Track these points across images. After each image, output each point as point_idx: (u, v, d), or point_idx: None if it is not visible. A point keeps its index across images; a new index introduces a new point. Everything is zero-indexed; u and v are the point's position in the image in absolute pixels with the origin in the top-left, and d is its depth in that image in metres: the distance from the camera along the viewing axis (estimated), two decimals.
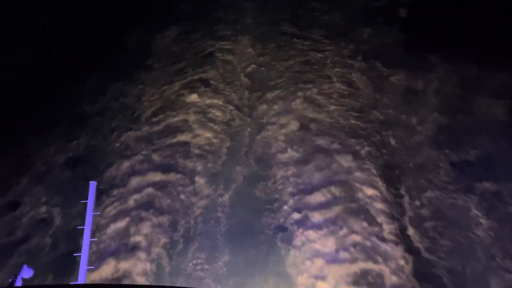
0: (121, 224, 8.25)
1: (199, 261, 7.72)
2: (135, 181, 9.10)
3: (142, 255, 7.78)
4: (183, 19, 14.05)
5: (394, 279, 7.17)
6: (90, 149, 9.93)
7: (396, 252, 7.59)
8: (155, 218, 8.38)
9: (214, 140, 9.94)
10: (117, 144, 10.05)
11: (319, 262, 7.51)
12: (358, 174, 8.89)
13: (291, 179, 8.95)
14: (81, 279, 4.72)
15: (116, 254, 7.78)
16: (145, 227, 8.23)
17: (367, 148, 9.40)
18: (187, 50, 12.76)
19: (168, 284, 7.44)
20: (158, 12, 14.48)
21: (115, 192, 8.89)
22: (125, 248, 7.89)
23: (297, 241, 7.88)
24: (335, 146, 9.47)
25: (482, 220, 7.80)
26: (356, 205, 8.32)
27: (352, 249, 7.61)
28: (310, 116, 10.25)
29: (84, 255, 4.83)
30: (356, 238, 7.78)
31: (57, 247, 8.03)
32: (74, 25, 13.61)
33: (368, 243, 7.71)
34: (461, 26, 11.95)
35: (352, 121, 10.14)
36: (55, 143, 10.09)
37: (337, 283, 7.21)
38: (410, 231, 7.94)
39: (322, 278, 7.32)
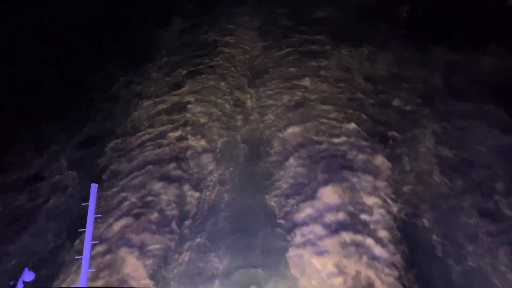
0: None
1: None
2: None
3: None
4: (187, 14, 14.87)
5: None
6: (102, 130, 10.67)
7: None
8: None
9: (219, 113, 10.78)
10: (129, 124, 10.82)
11: None
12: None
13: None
14: (82, 282, 4.69)
15: None
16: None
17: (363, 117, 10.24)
18: (191, 42, 13.55)
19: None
20: (163, 7, 15.32)
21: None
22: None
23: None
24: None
25: None
26: None
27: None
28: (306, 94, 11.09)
29: (85, 258, 4.80)
30: None
31: (71, 208, 8.65)
32: (86, 21, 14.64)
33: None
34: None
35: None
36: (70, 126, 10.87)
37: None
38: None
39: None
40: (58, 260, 7.75)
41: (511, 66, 11.26)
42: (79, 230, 4.97)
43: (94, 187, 5.27)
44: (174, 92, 11.63)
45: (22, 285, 4.45)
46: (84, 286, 4.69)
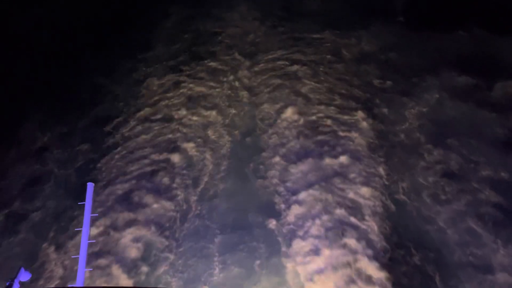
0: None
1: None
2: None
3: None
4: (185, 4, 15.33)
5: None
6: (109, 110, 11.43)
7: None
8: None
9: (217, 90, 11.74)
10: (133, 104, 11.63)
11: None
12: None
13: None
14: (79, 282, 4.68)
15: None
16: None
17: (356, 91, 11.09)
18: (190, 31, 14.16)
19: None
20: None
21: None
22: None
23: None
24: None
25: None
26: None
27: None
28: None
29: (82, 257, 4.79)
30: None
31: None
32: (86, 13, 15.18)
33: None
34: None
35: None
36: (78, 107, 11.65)
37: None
38: None
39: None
40: (70, 215, 8.73)
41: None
42: (76, 229, 4.96)
43: (90, 186, 5.24)
44: (174, 75, 12.32)
45: (18, 285, 4.43)
46: (81, 285, 4.69)
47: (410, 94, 10.91)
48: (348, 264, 7.33)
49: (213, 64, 12.64)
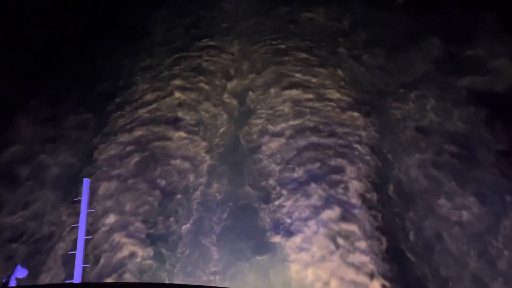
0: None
1: None
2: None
3: None
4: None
5: None
6: (111, 88, 12.10)
7: None
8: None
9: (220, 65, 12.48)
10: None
11: None
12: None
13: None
14: (76, 278, 4.65)
15: None
16: None
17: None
18: (187, 16, 14.70)
19: None
20: None
21: None
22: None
23: None
24: None
25: None
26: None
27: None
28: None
29: (79, 254, 4.76)
30: None
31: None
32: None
33: None
34: None
35: None
36: (81, 85, 12.32)
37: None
38: None
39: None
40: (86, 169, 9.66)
41: None
42: (73, 225, 4.92)
43: (86, 181, 5.21)
44: (174, 56, 12.88)
45: (15, 282, 4.40)
46: (78, 282, 4.66)
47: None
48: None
49: (212, 43, 13.29)
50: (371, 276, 7.31)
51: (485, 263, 7.27)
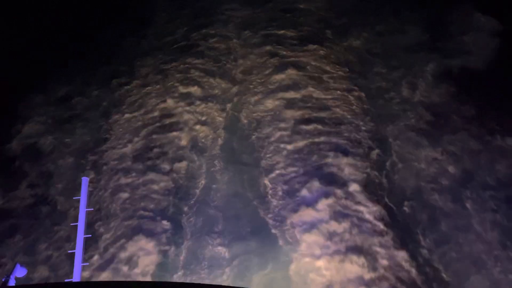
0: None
1: None
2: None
3: None
4: None
5: None
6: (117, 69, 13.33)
7: None
8: None
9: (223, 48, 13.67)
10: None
11: None
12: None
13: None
14: (76, 277, 4.66)
15: None
16: None
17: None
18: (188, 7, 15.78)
19: None
20: None
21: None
22: None
23: None
24: None
25: None
26: None
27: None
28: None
29: (78, 252, 4.77)
30: None
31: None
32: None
33: None
34: None
35: None
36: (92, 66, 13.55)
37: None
38: None
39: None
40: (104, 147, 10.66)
41: None
42: (71, 224, 4.92)
43: (85, 180, 5.20)
44: (176, 45, 13.89)
45: (14, 281, 4.40)
46: (78, 280, 4.67)
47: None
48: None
49: (213, 31, 14.34)
50: None
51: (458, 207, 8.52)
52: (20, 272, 4.51)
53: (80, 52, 13.95)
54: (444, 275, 7.58)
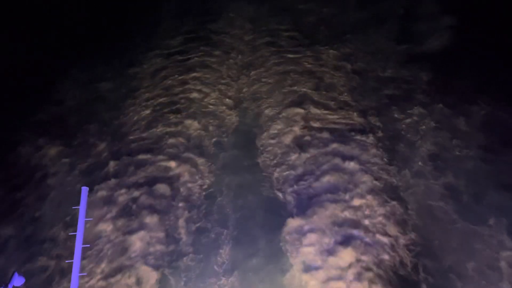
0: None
1: None
2: None
3: None
4: None
5: None
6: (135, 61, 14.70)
7: None
8: None
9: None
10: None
11: None
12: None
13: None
14: (73, 286, 4.67)
15: None
16: None
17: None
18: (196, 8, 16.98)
19: None
20: None
21: None
22: None
23: None
24: None
25: None
26: None
27: None
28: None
29: (76, 262, 4.78)
30: None
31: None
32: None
33: None
34: None
35: None
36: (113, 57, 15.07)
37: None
38: None
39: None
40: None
41: None
42: (70, 234, 4.95)
43: (85, 190, 5.22)
44: (186, 36, 15.23)
45: None
46: None
47: None
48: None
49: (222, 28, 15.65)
50: None
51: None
52: (18, 281, 4.52)
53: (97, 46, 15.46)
54: None
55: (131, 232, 8.75)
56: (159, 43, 15.06)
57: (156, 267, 8.16)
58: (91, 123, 11.92)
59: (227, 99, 12.21)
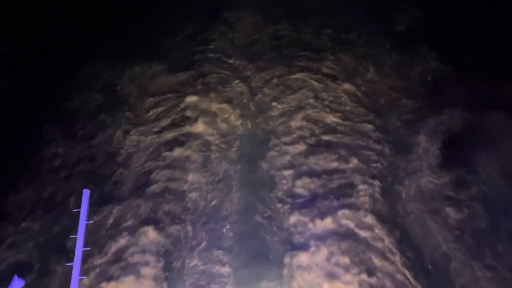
0: None
1: None
2: None
3: None
4: None
5: None
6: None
7: None
8: None
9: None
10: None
11: None
12: None
13: None
14: None
15: None
16: None
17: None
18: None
19: None
20: None
21: None
22: None
23: None
24: None
25: None
26: None
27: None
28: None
29: (76, 265, 4.76)
30: None
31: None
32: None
33: None
34: None
35: None
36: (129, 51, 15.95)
37: None
38: None
39: None
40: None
41: None
42: (71, 236, 4.93)
43: (86, 193, 5.20)
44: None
45: None
46: None
47: None
48: None
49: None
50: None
51: None
52: (17, 283, 4.51)
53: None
54: None
55: None
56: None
57: None
58: None
59: None
